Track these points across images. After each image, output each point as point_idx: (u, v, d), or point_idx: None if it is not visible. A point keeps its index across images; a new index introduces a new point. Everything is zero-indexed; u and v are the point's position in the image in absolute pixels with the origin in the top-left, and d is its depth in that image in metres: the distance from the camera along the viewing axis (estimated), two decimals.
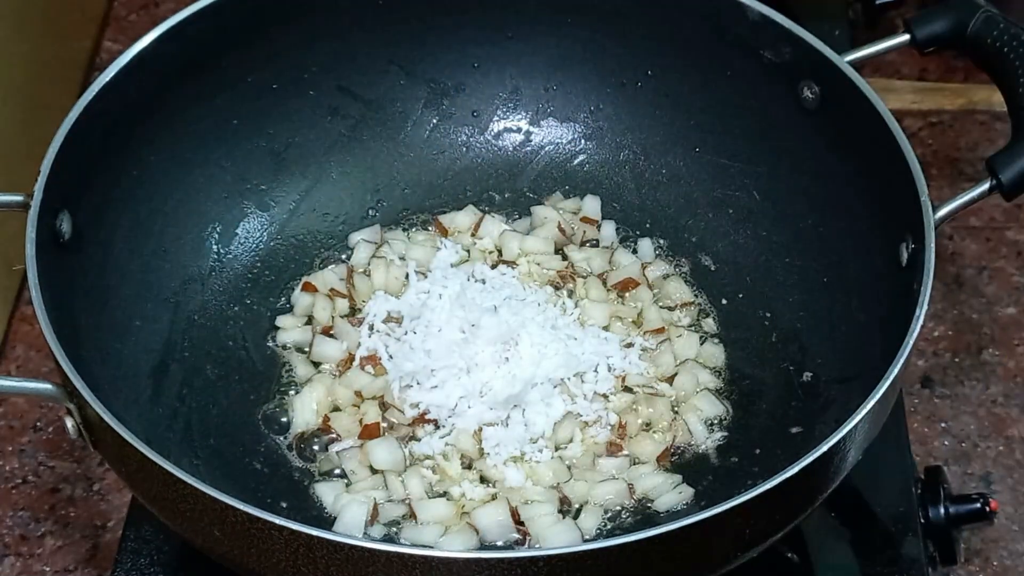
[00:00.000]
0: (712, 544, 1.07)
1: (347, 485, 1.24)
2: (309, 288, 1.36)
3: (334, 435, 1.26)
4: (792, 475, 1.06)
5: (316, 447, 1.26)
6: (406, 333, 1.31)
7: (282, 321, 1.35)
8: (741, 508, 1.04)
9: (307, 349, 1.32)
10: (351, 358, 1.31)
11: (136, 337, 1.28)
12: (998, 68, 1.24)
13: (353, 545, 1.02)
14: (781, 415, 1.28)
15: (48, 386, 1.13)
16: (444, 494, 1.23)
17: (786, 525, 1.12)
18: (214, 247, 1.37)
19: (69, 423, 1.12)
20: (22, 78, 1.53)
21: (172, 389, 1.28)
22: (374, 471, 1.24)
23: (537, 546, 1.19)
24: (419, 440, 1.25)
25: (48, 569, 1.34)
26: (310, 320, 1.35)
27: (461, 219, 1.41)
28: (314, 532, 1.02)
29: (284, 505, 1.22)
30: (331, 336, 1.33)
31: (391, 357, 1.30)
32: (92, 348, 1.20)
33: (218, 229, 1.38)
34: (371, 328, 1.32)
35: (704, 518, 1.03)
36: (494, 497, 1.22)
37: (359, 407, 1.28)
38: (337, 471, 1.25)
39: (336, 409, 1.28)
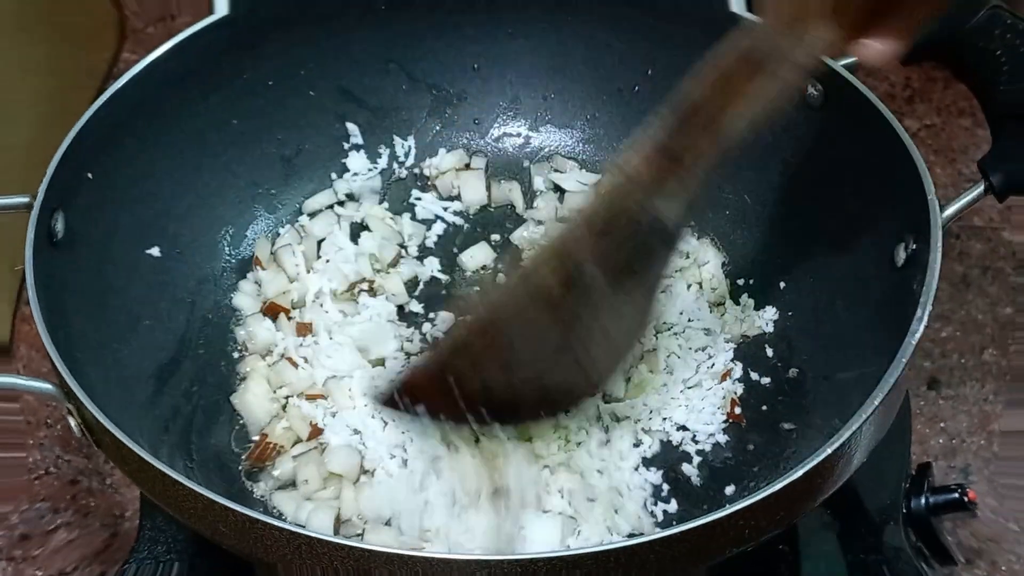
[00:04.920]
0: (713, 544, 1.07)
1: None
2: (258, 263, 1.39)
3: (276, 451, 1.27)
4: (796, 479, 1.06)
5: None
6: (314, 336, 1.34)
7: (244, 286, 1.38)
8: (743, 512, 1.04)
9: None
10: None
11: (143, 337, 1.29)
12: (971, 75, 1.25)
13: (353, 547, 1.02)
14: (770, 410, 1.30)
15: (49, 385, 1.13)
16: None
17: (786, 524, 1.12)
18: (226, 249, 1.40)
19: (72, 422, 1.13)
20: (42, 89, 1.55)
21: (180, 386, 1.30)
22: (326, 481, 1.25)
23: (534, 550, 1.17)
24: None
25: (69, 557, 1.35)
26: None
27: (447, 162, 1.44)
28: (314, 535, 1.03)
29: None
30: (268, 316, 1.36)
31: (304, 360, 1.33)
32: (88, 349, 1.20)
33: (230, 232, 1.41)
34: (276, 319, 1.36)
35: (706, 522, 1.04)
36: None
37: (285, 406, 1.30)
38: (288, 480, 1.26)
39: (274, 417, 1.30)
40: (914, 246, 1.20)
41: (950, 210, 1.21)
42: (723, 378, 1.31)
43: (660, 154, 1.05)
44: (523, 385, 1.12)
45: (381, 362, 1.31)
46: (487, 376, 1.10)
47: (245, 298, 1.38)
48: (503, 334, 1.09)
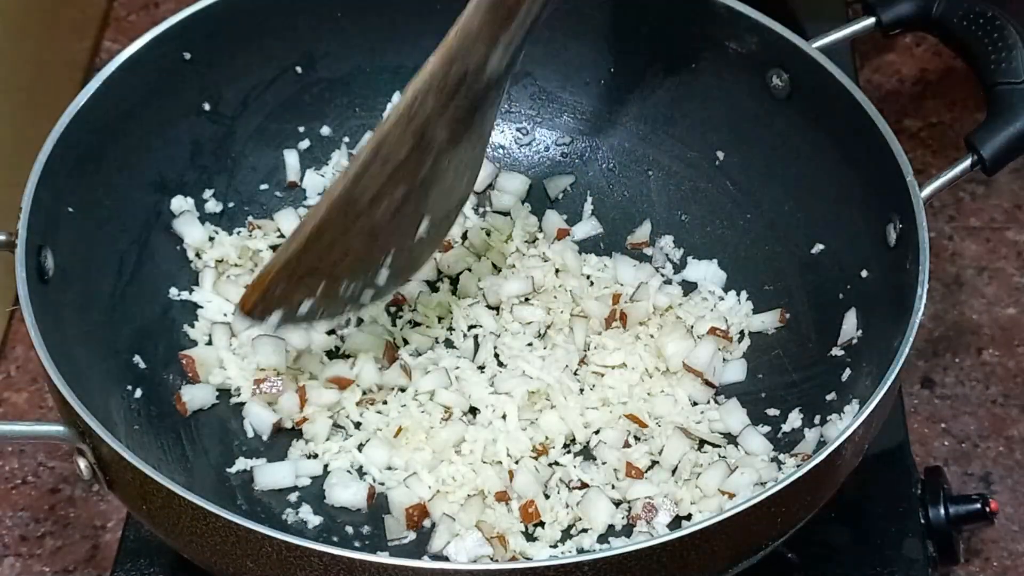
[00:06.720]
0: (712, 553, 1.06)
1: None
2: None
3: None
4: (791, 482, 1.05)
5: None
6: None
7: None
8: (738, 517, 1.03)
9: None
10: None
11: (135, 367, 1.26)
12: (965, 46, 1.24)
13: (396, 565, 1.01)
14: (752, 403, 1.28)
15: (58, 428, 1.09)
16: None
17: (787, 531, 1.11)
18: None
19: (82, 464, 1.09)
20: (22, 78, 1.53)
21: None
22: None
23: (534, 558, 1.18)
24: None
25: (48, 569, 1.33)
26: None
27: None
28: (356, 555, 1.00)
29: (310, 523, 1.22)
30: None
31: None
32: (91, 384, 1.17)
33: None
34: None
35: (704, 527, 1.03)
36: None
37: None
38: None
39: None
40: (900, 226, 1.20)
41: (929, 189, 1.20)
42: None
43: (492, 10, 1.12)
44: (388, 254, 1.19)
45: None
46: (352, 255, 1.16)
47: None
48: (359, 210, 1.14)
